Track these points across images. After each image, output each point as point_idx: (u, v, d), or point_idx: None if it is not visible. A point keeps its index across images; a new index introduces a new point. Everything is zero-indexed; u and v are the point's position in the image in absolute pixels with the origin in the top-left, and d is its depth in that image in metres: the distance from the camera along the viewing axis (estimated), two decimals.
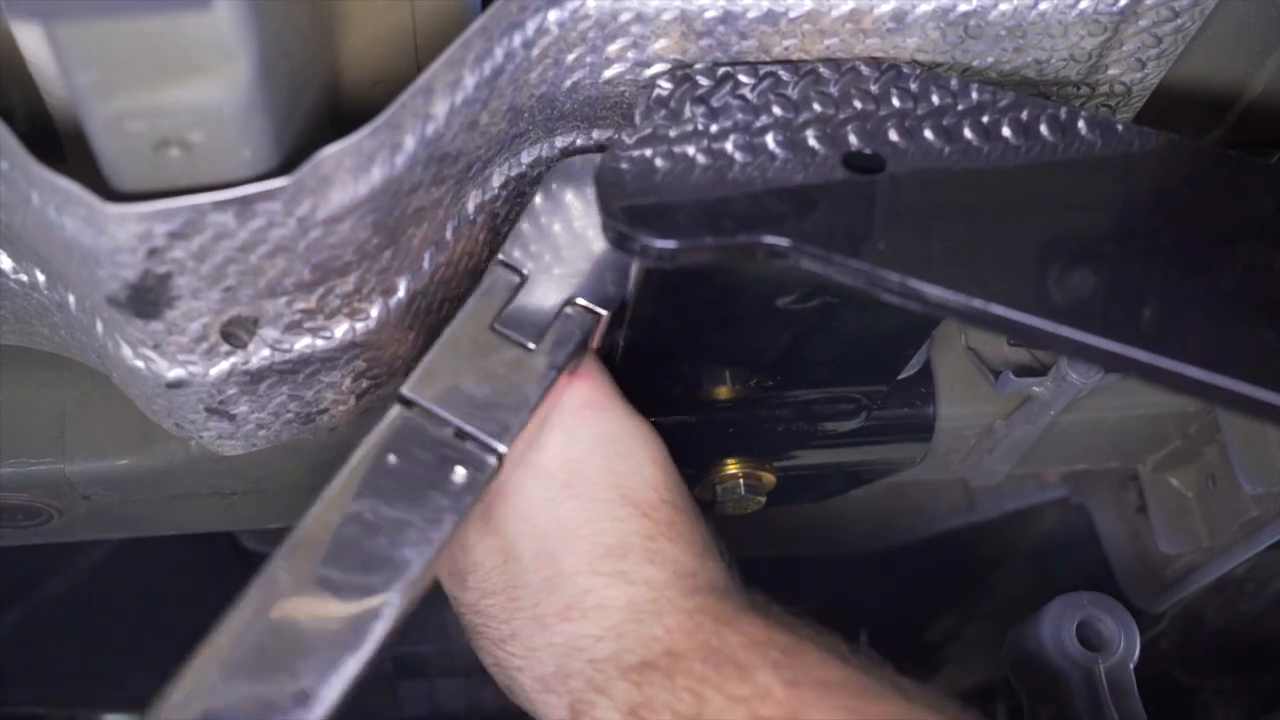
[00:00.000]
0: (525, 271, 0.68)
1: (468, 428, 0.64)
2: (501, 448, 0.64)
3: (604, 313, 0.68)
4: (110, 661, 1.28)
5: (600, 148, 0.70)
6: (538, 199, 0.69)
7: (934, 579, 1.44)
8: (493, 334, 0.66)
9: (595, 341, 0.69)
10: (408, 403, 0.64)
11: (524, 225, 0.68)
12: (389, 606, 0.60)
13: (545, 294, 0.68)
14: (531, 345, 0.66)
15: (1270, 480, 0.91)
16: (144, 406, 0.71)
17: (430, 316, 0.72)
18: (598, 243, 0.68)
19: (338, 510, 0.61)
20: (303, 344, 0.65)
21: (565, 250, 0.68)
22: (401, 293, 0.67)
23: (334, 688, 0.58)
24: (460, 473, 0.63)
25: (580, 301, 0.68)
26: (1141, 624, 0.90)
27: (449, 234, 0.68)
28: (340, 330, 0.66)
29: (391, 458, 0.63)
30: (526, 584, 0.67)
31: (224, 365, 0.64)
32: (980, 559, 1.42)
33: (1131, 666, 0.87)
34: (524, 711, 0.70)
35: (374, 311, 0.66)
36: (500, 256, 0.68)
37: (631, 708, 0.62)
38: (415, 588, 0.60)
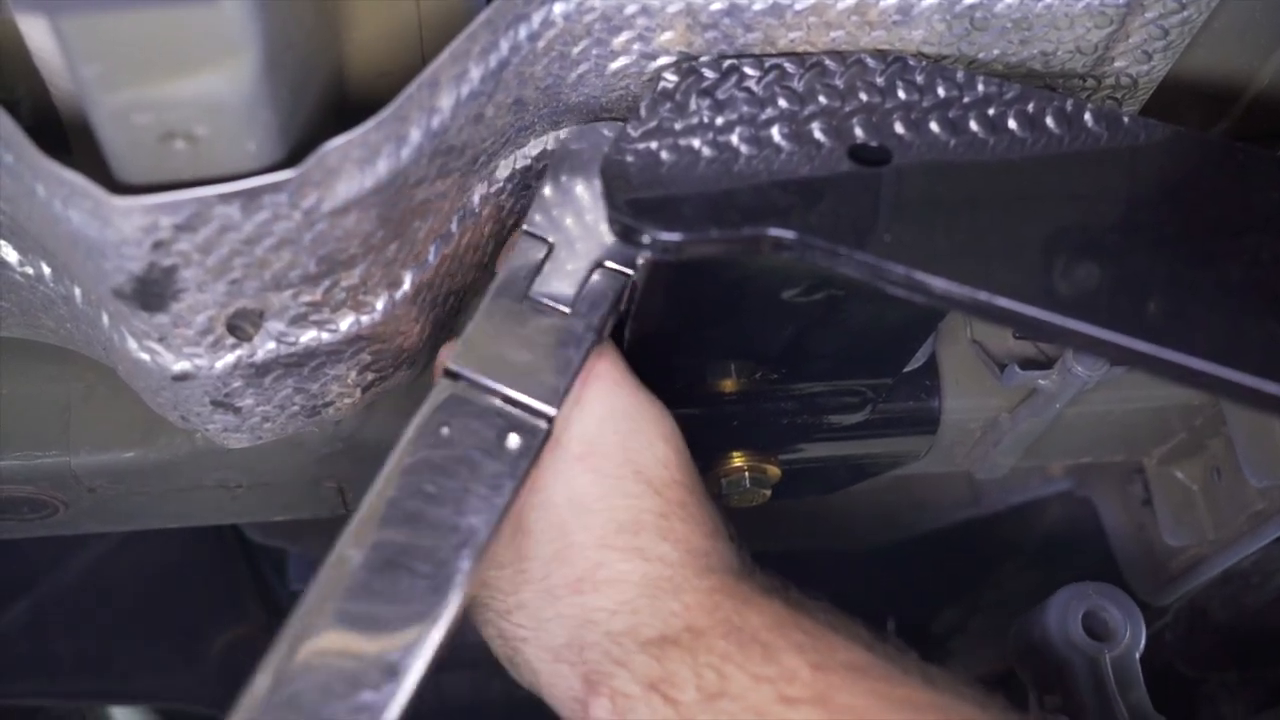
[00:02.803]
0: (551, 240, 0.68)
1: (515, 394, 0.65)
2: (550, 410, 0.65)
3: (631, 273, 0.68)
4: (115, 654, 1.29)
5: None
6: (557, 164, 0.69)
7: (939, 572, 1.44)
8: (527, 303, 0.67)
9: (623, 303, 0.69)
10: (454, 375, 0.65)
11: (546, 190, 0.69)
12: (461, 574, 0.60)
13: (572, 260, 0.68)
14: (566, 310, 0.67)
15: (1276, 473, 0.91)
16: (149, 399, 0.71)
17: (435, 309, 0.72)
18: None
19: (398, 485, 0.62)
20: (308, 337, 0.65)
21: (588, 214, 0.68)
22: (407, 285, 0.67)
23: (420, 659, 0.58)
24: (514, 439, 0.64)
25: (608, 264, 0.68)
26: (1146, 617, 0.90)
27: (454, 226, 0.68)
28: (345, 323, 0.66)
29: (445, 430, 0.63)
30: (536, 556, 0.66)
31: (229, 358, 0.64)
32: (985, 552, 1.42)
33: (1137, 656, 0.87)
34: (530, 702, 0.69)
35: (379, 304, 0.66)
36: (525, 227, 0.68)
37: (652, 681, 0.61)
38: (485, 555, 0.61)
